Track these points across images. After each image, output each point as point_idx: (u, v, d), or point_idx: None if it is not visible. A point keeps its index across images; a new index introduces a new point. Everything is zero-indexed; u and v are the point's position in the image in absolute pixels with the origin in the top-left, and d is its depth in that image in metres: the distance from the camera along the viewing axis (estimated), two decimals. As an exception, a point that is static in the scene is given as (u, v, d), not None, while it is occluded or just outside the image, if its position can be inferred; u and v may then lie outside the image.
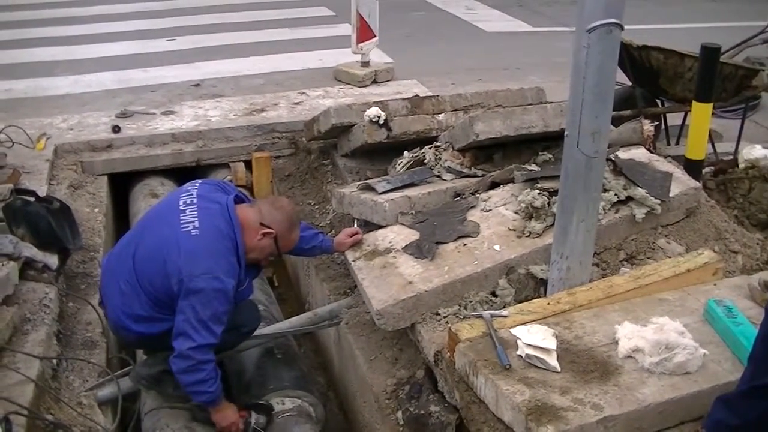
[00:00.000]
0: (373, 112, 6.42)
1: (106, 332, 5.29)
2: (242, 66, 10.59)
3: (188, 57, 11.09)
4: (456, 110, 6.83)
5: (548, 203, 4.75)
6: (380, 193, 5.40)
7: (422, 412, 4.22)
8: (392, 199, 5.27)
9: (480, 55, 11.06)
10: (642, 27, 10.72)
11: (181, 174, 8.06)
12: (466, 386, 3.87)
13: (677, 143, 7.53)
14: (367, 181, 5.74)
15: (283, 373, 5.11)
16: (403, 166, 6.02)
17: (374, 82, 9.56)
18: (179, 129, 8.14)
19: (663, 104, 7.71)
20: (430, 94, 8.18)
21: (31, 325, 4.88)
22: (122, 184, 8.03)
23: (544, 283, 4.51)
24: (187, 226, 4.24)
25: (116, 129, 8.02)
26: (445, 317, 4.41)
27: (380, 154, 6.70)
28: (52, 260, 5.45)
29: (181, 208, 4.35)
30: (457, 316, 4.40)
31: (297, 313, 6.04)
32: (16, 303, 4.91)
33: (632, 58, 7.17)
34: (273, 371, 5.11)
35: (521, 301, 4.44)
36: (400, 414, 4.37)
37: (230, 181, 7.75)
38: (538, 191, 4.81)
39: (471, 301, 4.47)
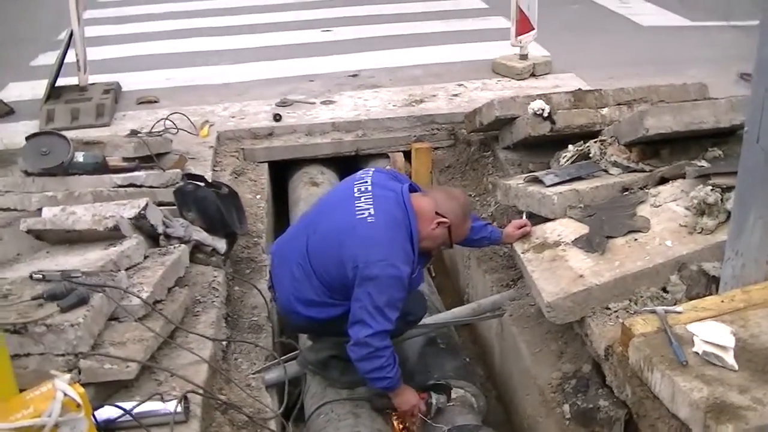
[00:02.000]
0: (537, 105, 6.40)
1: (270, 316, 5.42)
2: (398, 57, 10.64)
3: (344, 48, 11.22)
4: (619, 104, 6.75)
5: (721, 199, 4.66)
6: (548, 186, 5.38)
7: (590, 406, 4.20)
8: (560, 192, 5.25)
9: (637, 49, 10.86)
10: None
11: (339, 163, 8.21)
12: (639, 381, 3.82)
13: None
14: (534, 173, 5.73)
15: (446, 362, 5.15)
16: (567, 160, 5.98)
17: (532, 75, 9.48)
18: (339, 118, 8.26)
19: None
20: (590, 88, 8.12)
21: (202, 307, 5.02)
22: (280, 172, 8.19)
23: (716, 280, 4.42)
24: (363, 213, 4.28)
25: (277, 117, 8.20)
26: (615, 312, 4.38)
27: (541, 147, 6.68)
28: (221, 244, 5.59)
29: (356, 195, 4.40)
30: (627, 311, 4.36)
31: (454, 304, 6.10)
32: (186, 285, 5.03)
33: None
34: (436, 360, 5.15)
35: (692, 298, 4.36)
36: (566, 407, 4.35)
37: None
38: (710, 187, 4.71)
39: (641, 297, 4.43)
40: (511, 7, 9.23)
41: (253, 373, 4.83)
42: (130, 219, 5.14)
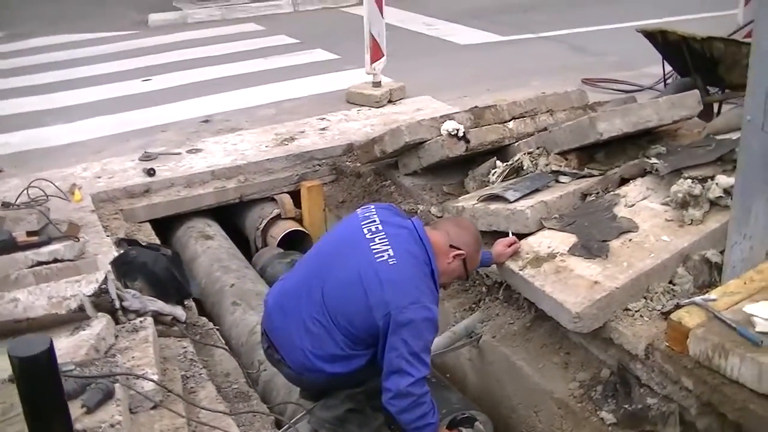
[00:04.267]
0: (451, 125, 6.44)
1: (248, 380, 5.17)
2: (243, 98, 10.37)
3: (181, 94, 10.77)
4: (514, 118, 6.89)
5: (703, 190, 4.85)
6: (512, 202, 5.39)
7: (639, 406, 4.23)
8: (531, 206, 5.27)
9: (469, 67, 11.13)
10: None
11: (223, 212, 7.98)
12: (708, 371, 3.87)
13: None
14: (488, 191, 5.72)
15: (447, 395, 5.06)
16: (498, 176, 6.03)
17: (389, 101, 9.54)
18: (217, 166, 7.93)
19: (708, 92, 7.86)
20: (449, 107, 8.35)
21: (195, 382, 4.69)
22: (160, 229, 7.80)
23: (717, 267, 4.59)
24: (382, 255, 4.09)
25: (151, 172, 7.78)
26: (637, 311, 4.45)
27: (444, 169, 6.73)
28: (180, 311, 5.22)
29: (367, 236, 4.20)
30: (647, 309, 4.45)
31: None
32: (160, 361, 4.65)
33: (692, 49, 7.37)
34: (437, 395, 5.00)
35: (699, 288, 4.55)
36: (605, 414, 4.35)
37: (278, 214, 7.65)
38: (690, 180, 4.88)
39: (656, 293, 4.53)
40: (364, 35, 9.22)
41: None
42: (89, 296, 4.69)
